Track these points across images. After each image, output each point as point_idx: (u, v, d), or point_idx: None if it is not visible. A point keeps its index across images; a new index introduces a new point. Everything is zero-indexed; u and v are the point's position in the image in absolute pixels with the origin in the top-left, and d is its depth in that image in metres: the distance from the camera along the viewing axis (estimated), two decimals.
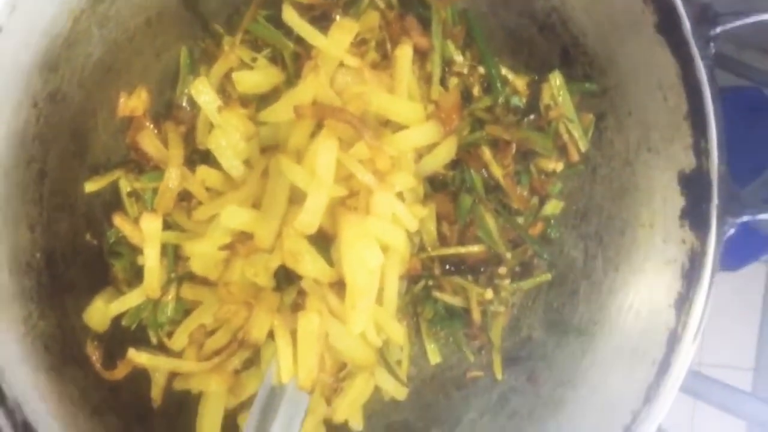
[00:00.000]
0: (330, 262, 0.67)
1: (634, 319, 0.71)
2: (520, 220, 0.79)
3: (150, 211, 0.71)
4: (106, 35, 0.67)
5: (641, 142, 0.70)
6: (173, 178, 0.69)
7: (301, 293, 0.67)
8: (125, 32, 0.69)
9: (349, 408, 0.73)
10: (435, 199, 0.75)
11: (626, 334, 0.71)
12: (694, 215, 0.65)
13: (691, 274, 0.65)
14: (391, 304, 0.70)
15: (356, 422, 0.75)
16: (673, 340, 0.65)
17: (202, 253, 0.69)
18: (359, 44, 0.72)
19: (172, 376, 0.71)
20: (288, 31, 0.71)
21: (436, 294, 0.78)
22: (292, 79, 0.73)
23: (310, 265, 0.65)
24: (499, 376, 0.79)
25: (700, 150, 0.64)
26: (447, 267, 0.79)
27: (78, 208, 0.71)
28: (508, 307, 0.81)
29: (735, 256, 1.25)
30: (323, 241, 0.67)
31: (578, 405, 0.72)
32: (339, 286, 0.66)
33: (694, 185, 0.65)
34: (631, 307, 0.71)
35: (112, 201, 0.74)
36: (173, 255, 0.72)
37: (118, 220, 0.70)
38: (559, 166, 0.77)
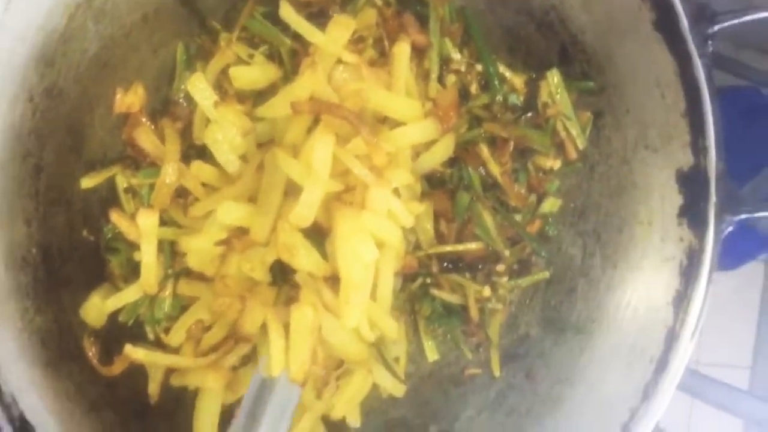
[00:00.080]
0: (325, 256, 0.67)
1: (632, 317, 0.70)
2: (518, 217, 0.78)
3: (147, 207, 0.71)
4: (102, 31, 0.66)
5: (639, 139, 0.70)
6: (170, 174, 0.69)
7: (296, 287, 0.67)
8: (121, 28, 0.68)
9: (347, 405, 0.73)
10: (432, 196, 0.75)
11: (624, 331, 0.71)
12: (692, 213, 0.65)
13: (689, 272, 0.65)
14: (386, 300, 0.70)
15: (354, 419, 0.75)
16: (671, 338, 0.65)
17: (199, 248, 0.69)
18: (356, 42, 0.72)
19: (169, 372, 0.71)
20: (285, 28, 0.71)
21: (434, 291, 0.78)
22: (290, 75, 0.72)
23: (304, 259, 0.65)
24: (497, 373, 0.79)
25: (698, 148, 0.64)
26: (445, 264, 0.79)
27: (74, 203, 0.71)
28: (506, 305, 0.81)
29: (733, 255, 1.25)
30: (318, 236, 0.67)
31: (576, 402, 0.72)
32: (333, 280, 0.66)
33: (692, 183, 0.65)
34: (629, 305, 0.71)
35: (108, 197, 0.74)
36: (170, 251, 0.72)
37: (114, 216, 0.70)
38: (557, 164, 0.77)
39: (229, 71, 0.71)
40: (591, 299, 0.75)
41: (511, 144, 0.76)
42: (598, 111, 0.75)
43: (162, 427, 0.72)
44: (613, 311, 0.73)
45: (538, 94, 0.75)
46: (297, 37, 0.71)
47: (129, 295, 0.71)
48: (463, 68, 0.75)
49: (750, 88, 1.06)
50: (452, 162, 0.76)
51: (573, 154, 0.76)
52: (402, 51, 0.70)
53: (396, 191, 0.69)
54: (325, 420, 0.73)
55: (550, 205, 0.79)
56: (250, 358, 0.72)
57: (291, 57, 0.73)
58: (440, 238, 0.77)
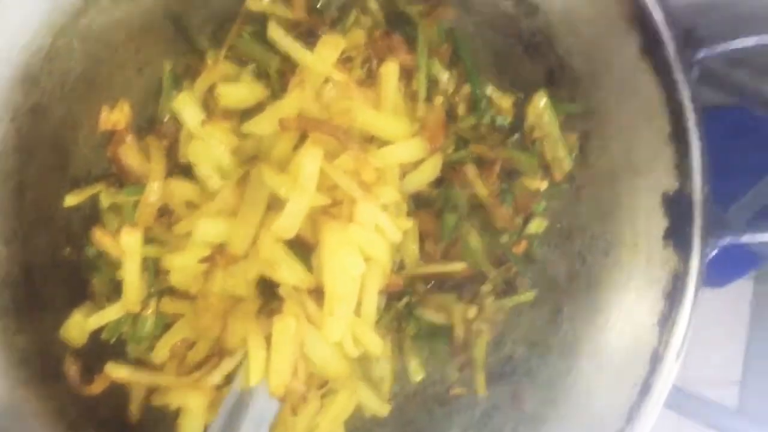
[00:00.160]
0: (310, 269, 0.66)
1: (617, 338, 0.71)
2: (505, 238, 0.78)
3: (130, 225, 0.71)
4: (88, 49, 0.66)
5: (625, 162, 0.70)
6: (154, 191, 0.69)
7: (280, 300, 0.66)
8: (108, 46, 0.68)
9: (331, 424, 0.72)
10: (419, 217, 0.75)
11: (609, 353, 0.71)
12: (678, 236, 0.65)
13: (674, 295, 0.65)
14: (370, 315, 0.69)
15: None
16: (656, 360, 0.65)
17: (182, 266, 0.68)
18: (344, 61, 0.72)
19: (151, 391, 0.70)
20: (273, 46, 0.71)
21: (420, 311, 0.78)
22: (277, 94, 0.72)
23: (286, 272, 0.65)
24: (482, 392, 0.79)
25: (683, 172, 0.64)
26: (431, 284, 0.79)
27: (57, 222, 0.71)
28: (492, 325, 0.81)
29: (722, 273, 1.26)
30: (304, 250, 0.66)
31: (561, 423, 0.72)
32: (318, 294, 0.66)
33: (677, 207, 0.65)
34: (614, 326, 0.71)
35: (92, 215, 0.73)
36: (153, 269, 0.71)
37: (97, 234, 0.70)
38: (544, 185, 0.77)
39: (217, 89, 0.70)
40: (576, 320, 0.75)
41: (498, 165, 0.76)
42: (585, 133, 0.75)
43: None
44: (598, 332, 0.73)
45: (525, 116, 0.75)
46: (285, 56, 0.70)
47: (111, 313, 0.70)
48: (451, 89, 0.75)
49: (739, 108, 1.06)
50: (439, 182, 0.76)
51: (559, 176, 0.76)
52: (390, 71, 0.70)
53: (384, 207, 0.69)
54: None
55: (537, 225, 0.79)
56: (233, 378, 0.71)
57: (279, 76, 0.73)
58: (426, 257, 0.77)
